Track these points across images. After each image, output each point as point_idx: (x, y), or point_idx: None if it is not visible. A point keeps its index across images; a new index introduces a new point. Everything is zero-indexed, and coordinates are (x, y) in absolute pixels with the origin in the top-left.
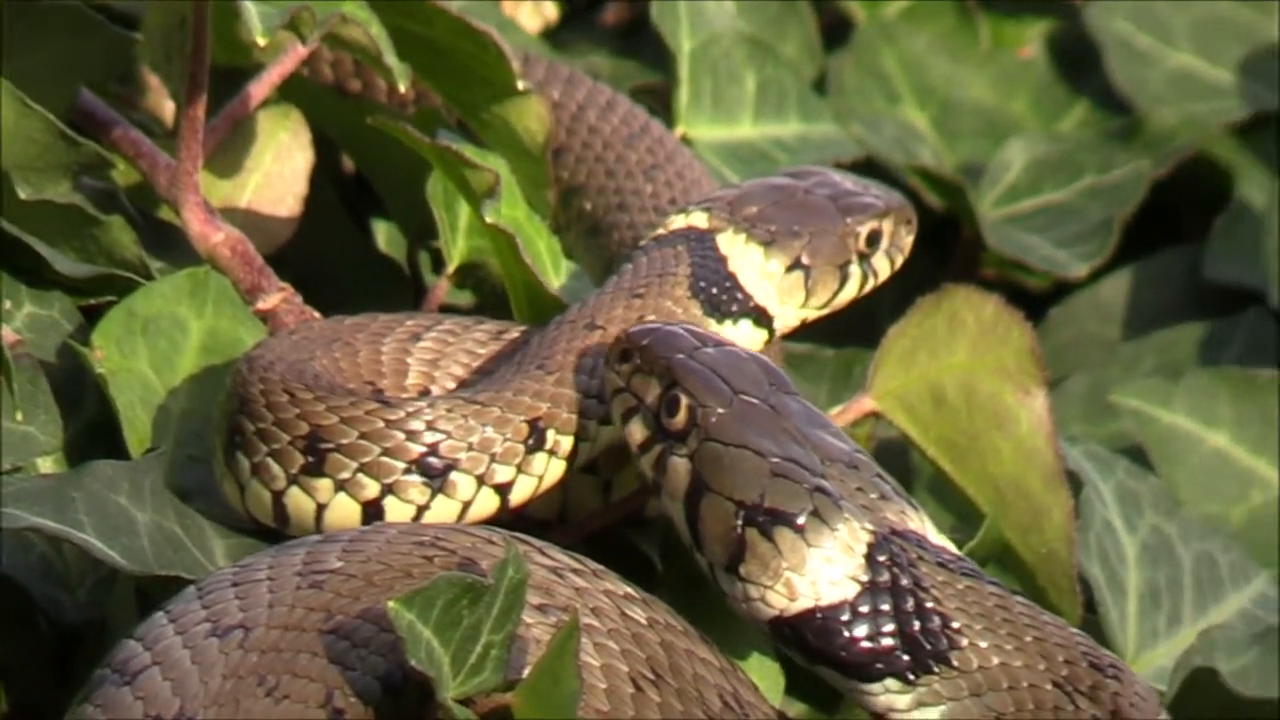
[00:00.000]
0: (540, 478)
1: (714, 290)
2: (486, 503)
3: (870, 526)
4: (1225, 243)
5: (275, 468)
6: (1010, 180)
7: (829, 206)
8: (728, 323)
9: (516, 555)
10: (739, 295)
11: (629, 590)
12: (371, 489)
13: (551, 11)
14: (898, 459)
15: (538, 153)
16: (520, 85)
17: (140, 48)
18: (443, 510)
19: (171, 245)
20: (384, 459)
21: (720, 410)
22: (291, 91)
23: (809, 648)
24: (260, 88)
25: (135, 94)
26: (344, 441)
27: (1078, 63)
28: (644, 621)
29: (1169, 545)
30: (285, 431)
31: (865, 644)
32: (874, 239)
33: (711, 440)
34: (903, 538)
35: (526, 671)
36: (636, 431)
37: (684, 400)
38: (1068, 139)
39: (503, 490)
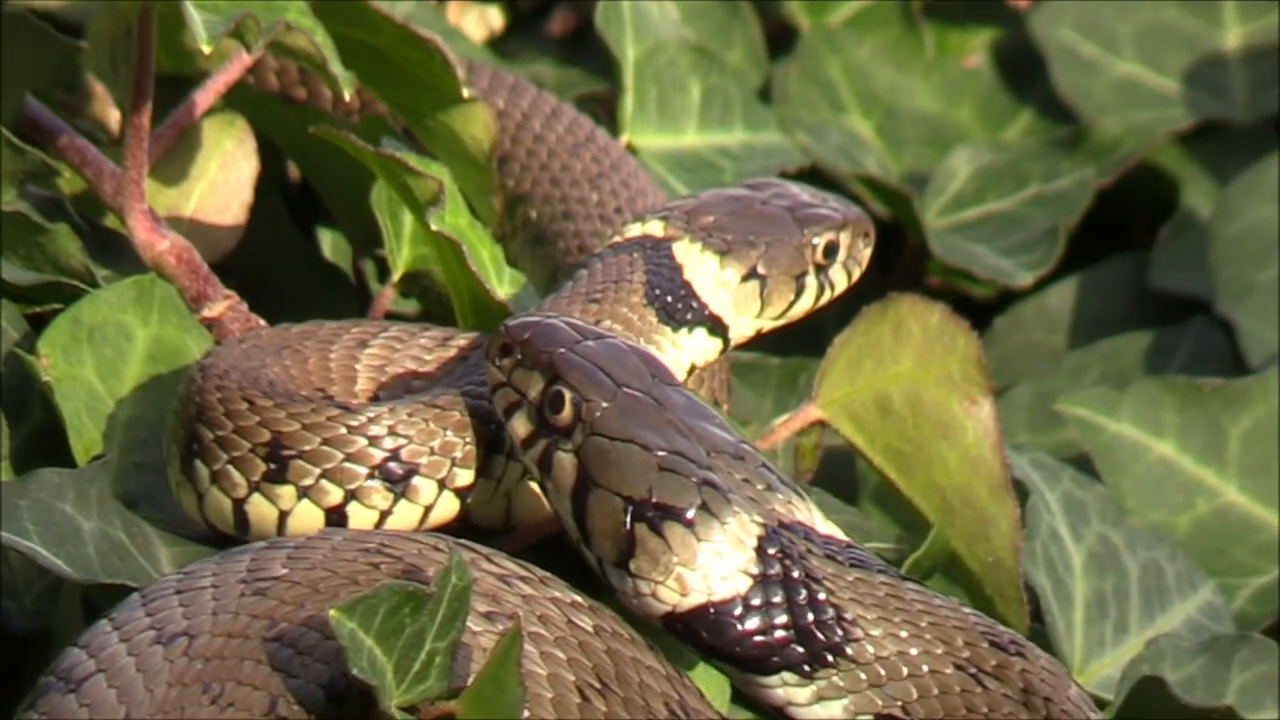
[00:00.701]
0: (499, 480)
1: (669, 298)
2: (447, 507)
3: (760, 519)
4: (1171, 251)
5: (236, 475)
6: (955, 189)
7: (786, 217)
8: (683, 331)
9: (460, 562)
10: (694, 304)
11: (576, 598)
12: (335, 495)
13: (497, 20)
14: (844, 468)
15: (483, 160)
16: (465, 93)
17: (86, 56)
18: (405, 515)
19: (117, 253)
20: (347, 465)
21: (604, 404)
22: (237, 99)
23: (702, 643)
24: (205, 96)
25: (81, 102)
26: (306, 448)
27: (1022, 71)
28: (590, 629)
29: (1115, 554)
30: (246, 439)
31: (759, 638)
32: (831, 251)
33: (597, 435)
34: (791, 529)
35: (471, 679)
36: (520, 427)
37: (568, 395)
38: (1013, 148)
39: (463, 494)
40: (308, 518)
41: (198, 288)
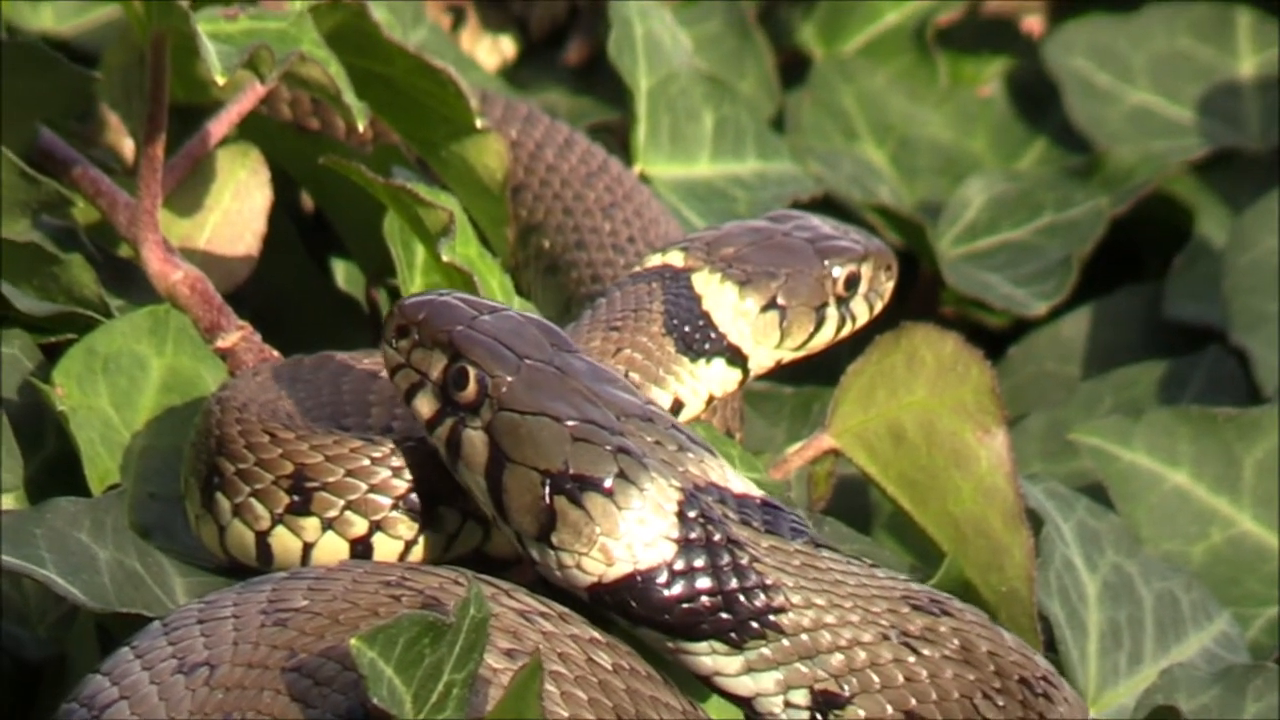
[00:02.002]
0: None
1: (687, 328)
2: (471, 535)
3: (677, 483)
4: (1185, 281)
5: (259, 508)
6: (969, 218)
7: (807, 249)
8: (701, 361)
9: (478, 594)
10: (713, 334)
11: (594, 634)
12: (360, 526)
13: (509, 48)
14: (857, 497)
15: (497, 190)
16: (479, 123)
17: (100, 86)
18: (430, 545)
19: (131, 283)
20: (371, 496)
21: (509, 378)
22: (251, 128)
23: (631, 612)
24: (219, 126)
25: (95, 132)
26: (330, 480)
27: (1036, 100)
28: (610, 667)
29: (1130, 584)
30: (269, 471)
31: (686, 605)
32: (852, 283)
33: (506, 410)
34: (708, 492)
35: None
36: (424, 406)
37: (472, 372)
38: (1026, 177)
39: (485, 522)
40: (332, 549)
41: (211, 318)
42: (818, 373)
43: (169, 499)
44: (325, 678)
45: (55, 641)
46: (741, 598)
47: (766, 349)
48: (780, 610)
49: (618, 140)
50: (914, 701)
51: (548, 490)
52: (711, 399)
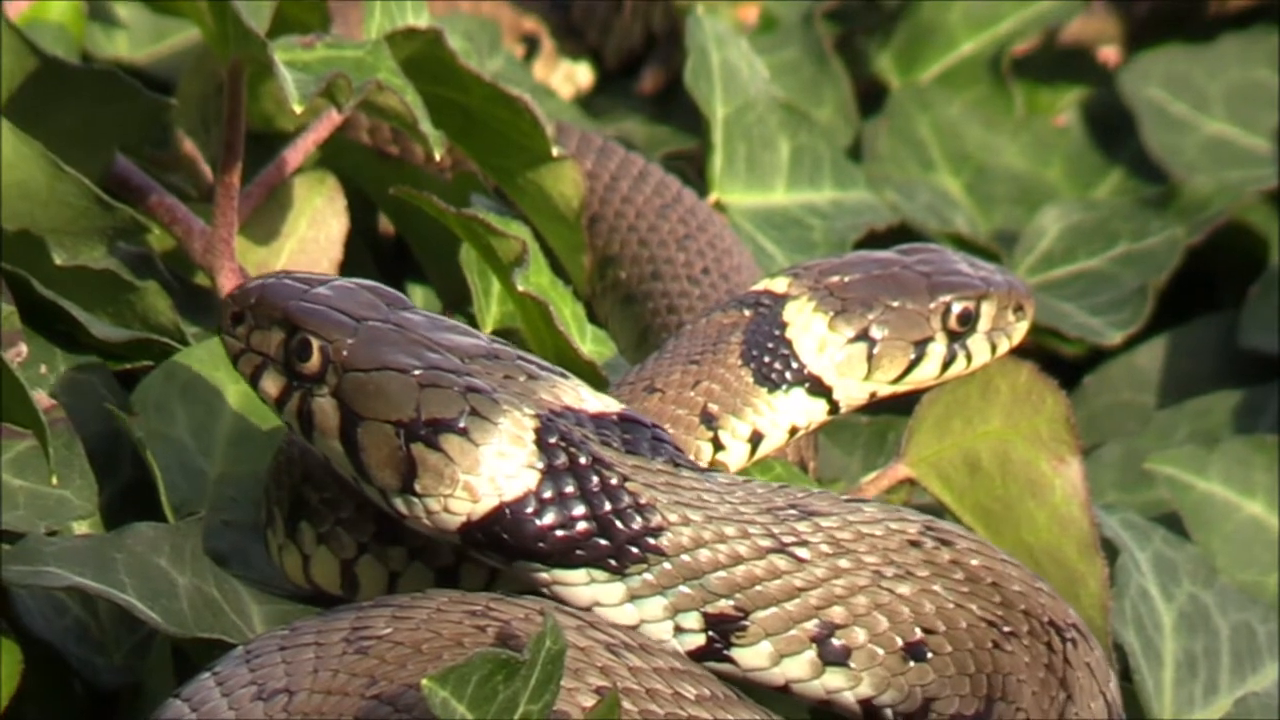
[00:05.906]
0: None
1: (765, 358)
2: None
3: (531, 410)
4: (1260, 310)
5: (345, 537)
6: (1045, 247)
7: (920, 282)
8: (779, 392)
9: (554, 627)
10: (793, 364)
11: (676, 665)
12: (446, 556)
13: (584, 77)
14: None
15: (572, 218)
16: (554, 151)
17: (176, 113)
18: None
19: (207, 310)
20: None
21: (350, 341)
22: (332, 152)
23: (506, 546)
24: (295, 154)
25: (170, 158)
26: None
27: (1112, 130)
28: (693, 698)
29: (1206, 614)
30: (354, 499)
31: (560, 532)
32: (966, 319)
33: (351, 371)
34: (563, 416)
35: None
36: (270, 386)
37: (314, 342)
38: (1102, 206)
39: None
40: (419, 578)
41: None
42: (893, 402)
43: (245, 526)
44: (405, 705)
45: (130, 669)
46: (617, 521)
47: (854, 381)
48: (658, 531)
49: (693, 169)
50: (813, 604)
51: (403, 440)
52: (795, 430)
